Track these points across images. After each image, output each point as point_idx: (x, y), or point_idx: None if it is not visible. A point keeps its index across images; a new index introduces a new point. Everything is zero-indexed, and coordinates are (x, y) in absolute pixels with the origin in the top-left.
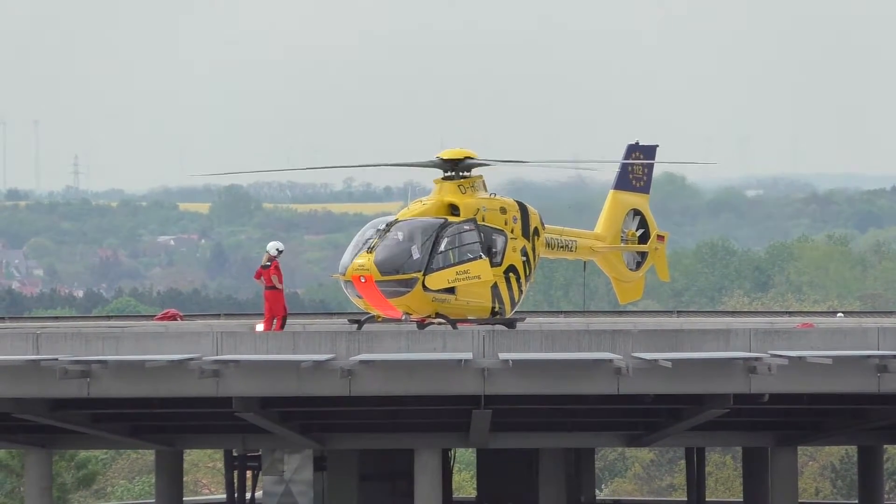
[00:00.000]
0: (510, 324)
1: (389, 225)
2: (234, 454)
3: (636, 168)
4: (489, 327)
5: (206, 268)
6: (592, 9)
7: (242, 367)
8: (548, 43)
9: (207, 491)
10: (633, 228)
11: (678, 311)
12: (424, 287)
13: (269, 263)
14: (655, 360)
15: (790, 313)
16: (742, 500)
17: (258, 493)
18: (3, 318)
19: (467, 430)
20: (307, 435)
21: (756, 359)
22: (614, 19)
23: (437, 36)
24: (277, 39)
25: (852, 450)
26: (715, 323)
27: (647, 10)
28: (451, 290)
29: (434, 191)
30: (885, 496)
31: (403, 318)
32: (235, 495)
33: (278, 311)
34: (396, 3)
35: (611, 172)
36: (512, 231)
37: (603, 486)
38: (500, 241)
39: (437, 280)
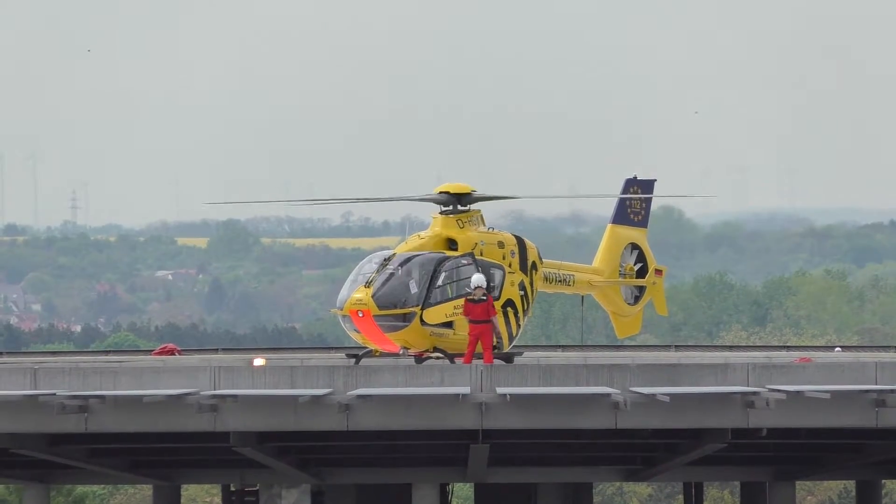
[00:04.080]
0: (508, 358)
1: (387, 259)
2: (232, 489)
3: (634, 202)
4: None
5: (204, 302)
6: (589, 44)
7: (240, 401)
8: (545, 78)
9: None
10: (631, 263)
11: (676, 346)
12: (422, 321)
13: (485, 297)
14: (653, 395)
15: (788, 348)
16: None
17: None
18: (0, 354)
19: (465, 464)
20: (305, 469)
21: (754, 393)
22: (611, 55)
23: (435, 70)
24: (276, 73)
25: (851, 484)
26: (713, 357)
27: (644, 45)
28: (448, 325)
29: (432, 225)
30: None
31: (401, 352)
32: None
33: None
34: (393, 37)
35: (609, 207)
36: (510, 265)
37: None
38: (497, 275)
39: (434, 314)
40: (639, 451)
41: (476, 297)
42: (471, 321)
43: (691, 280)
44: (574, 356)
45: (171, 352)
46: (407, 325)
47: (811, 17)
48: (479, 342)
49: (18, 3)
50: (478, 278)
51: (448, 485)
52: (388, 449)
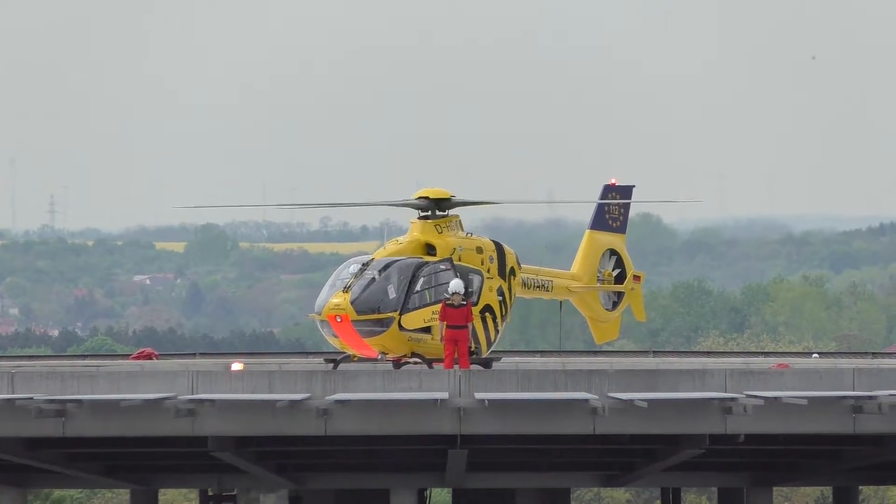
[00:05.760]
0: (486, 363)
1: (366, 264)
2: (210, 494)
3: (612, 208)
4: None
5: (182, 307)
6: (568, 51)
7: (218, 406)
8: (524, 83)
9: None
10: (609, 268)
11: (654, 352)
12: (400, 327)
13: (465, 303)
14: (631, 401)
15: (766, 354)
16: None
17: None
18: None
19: (443, 469)
20: (283, 474)
21: (732, 399)
22: (590, 61)
23: (415, 74)
24: (252, 77)
25: (828, 490)
26: (691, 363)
27: (623, 52)
28: (427, 330)
29: (410, 230)
30: None
31: (379, 357)
32: None
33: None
34: (371, 40)
35: (587, 212)
36: (488, 271)
37: None
38: (476, 280)
39: (413, 320)
40: (617, 456)
41: (455, 303)
42: (448, 326)
43: (669, 286)
44: (552, 361)
45: (149, 356)
46: (385, 331)
47: (789, 26)
48: (456, 347)
49: None
50: (456, 284)
51: (426, 490)
52: (366, 454)
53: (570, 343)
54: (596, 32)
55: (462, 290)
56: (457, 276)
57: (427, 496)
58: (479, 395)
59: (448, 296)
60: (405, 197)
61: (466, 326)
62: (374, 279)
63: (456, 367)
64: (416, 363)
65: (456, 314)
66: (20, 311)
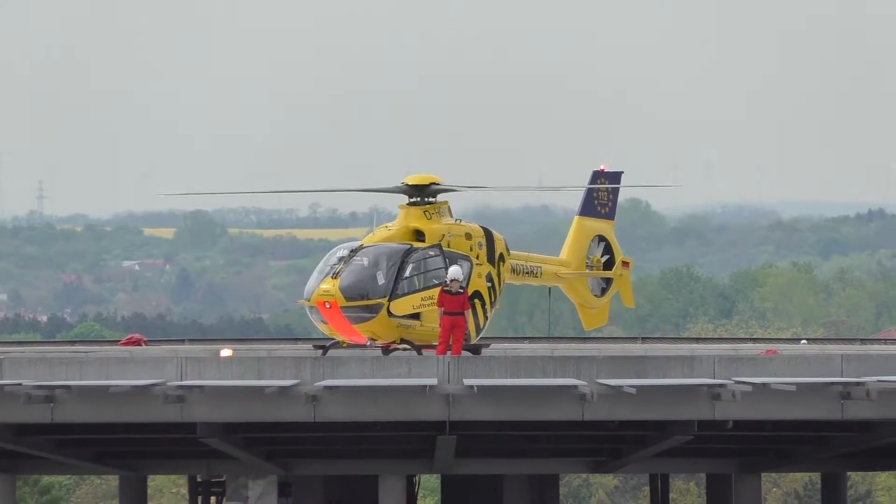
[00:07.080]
0: (475, 350)
1: (354, 251)
2: (198, 480)
3: (601, 194)
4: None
5: (171, 293)
6: (557, 39)
7: (207, 392)
8: (512, 70)
9: None
10: (598, 254)
11: (643, 338)
12: (389, 313)
13: (462, 290)
14: (620, 387)
15: (754, 340)
16: None
17: None
18: None
19: (432, 456)
20: (272, 461)
21: (720, 385)
22: (579, 49)
23: (402, 62)
24: (243, 65)
25: (816, 476)
26: (679, 349)
27: (614, 38)
28: (416, 316)
29: (399, 217)
30: None
31: (368, 343)
32: None
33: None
34: (360, 27)
35: (576, 199)
36: (477, 257)
37: None
38: (465, 266)
39: (402, 306)
40: (605, 442)
41: (453, 290)
42: (445, 312)
43: (658, 272)
44: (541, 348)
45: (138, 342)
46: (374, 317)
47: (781, 16)
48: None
49: None
50: (455, 270)
51: (415, 476)
52: (355, 440)
53: (559, 329)
54: (588, 22)
55: (461, 277)
56: (451, 264)
57: (416, 482)
58: (467, 382)
59: (447, 282)
60: (394, 183)
61: (463, 314)
62: (362, 265)
63: (447, 352)
64: (405, 349)
65: (453, 301)
66: (8, 297)
